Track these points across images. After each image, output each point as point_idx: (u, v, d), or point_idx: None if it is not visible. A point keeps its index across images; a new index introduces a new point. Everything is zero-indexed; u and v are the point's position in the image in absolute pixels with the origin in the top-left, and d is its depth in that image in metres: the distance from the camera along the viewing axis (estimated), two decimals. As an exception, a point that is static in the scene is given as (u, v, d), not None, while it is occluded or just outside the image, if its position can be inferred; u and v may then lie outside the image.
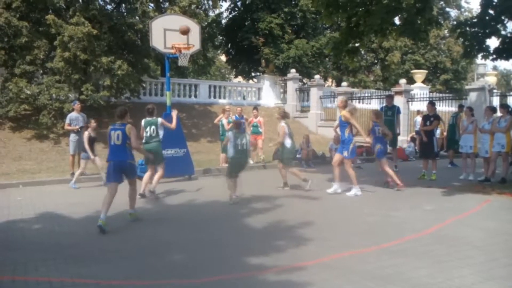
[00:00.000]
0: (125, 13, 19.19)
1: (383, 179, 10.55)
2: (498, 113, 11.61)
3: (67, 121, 11.65)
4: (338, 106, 10.47)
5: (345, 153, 9.48)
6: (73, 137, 11.48)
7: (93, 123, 10.72)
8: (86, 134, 10.53)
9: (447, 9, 40.03)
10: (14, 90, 15.08)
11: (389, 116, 13.19)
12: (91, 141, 10.60)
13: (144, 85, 19.38)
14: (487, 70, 34.72)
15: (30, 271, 5.07)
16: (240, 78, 33.88)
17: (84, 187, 10.65)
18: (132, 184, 7.45)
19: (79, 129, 11.28)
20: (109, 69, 16.03)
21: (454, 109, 19.17)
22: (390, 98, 14.13)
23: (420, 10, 10.47)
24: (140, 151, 7.85)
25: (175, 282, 4.74)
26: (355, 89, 25.81)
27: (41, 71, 17.19)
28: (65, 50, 15.32)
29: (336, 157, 9.79)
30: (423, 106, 17.08)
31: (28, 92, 15.64)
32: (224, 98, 22.85)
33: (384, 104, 14.16)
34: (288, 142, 9.81)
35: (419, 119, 16.22)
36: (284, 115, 10.40)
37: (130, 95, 18.05)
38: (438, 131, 14.48)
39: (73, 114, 11.71)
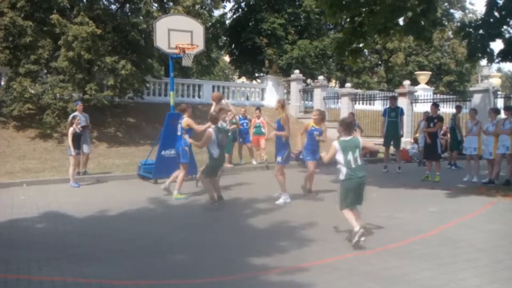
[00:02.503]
0: (129, 13, 19.22)
1: (384, 181, 10.52)
2: (502, 115, 11.57)
3: (69, 121, 11.69)
4: (276, 109, 9.53)
5: (279, 159, 8.84)
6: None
7: (77, 119, 10.84)
8: (71, 130, 10.63)
9: (452, 10, 39.93)
10: (18, 90, 15.11)
11: (392, 117, 13.17)
12: (77, 137, 10.69)
13: (147, 85, 19.40)
14: (492, 71, 34.63)
15: (33, 270, 5.07)
16: (243, 79, 33.85)
17: (87, 186, 10.67)
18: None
19: (81, 129, 11.29)
20: (113, 69, 16.05)
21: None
22: (393, 99, 14.10)
23: (425, 11, 10.44)
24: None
25: (177, 282, 4.74)
26: (358, 90, 25.77)
27: (45, 71, 17.22)
28: (69, 49, 15.36)
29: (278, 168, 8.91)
30: (427, 108, 17.04)
31: (32, 91, 15.68)
32: (228, 98, 22.80)
33: (388, 106, 14.12)
34: (215, 152, 8.40)
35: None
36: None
37: (133, 95, 18.08)
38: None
39: (76, 114, 11.73)
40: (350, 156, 6.02)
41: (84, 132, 11.41)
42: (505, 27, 10.86)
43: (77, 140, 10.72)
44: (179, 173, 9.39)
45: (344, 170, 6.05)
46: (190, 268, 5.18)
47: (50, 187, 10.47)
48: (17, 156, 13.79)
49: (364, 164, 6.25)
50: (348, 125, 6.28)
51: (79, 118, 10.95)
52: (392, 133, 13.20)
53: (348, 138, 6.14)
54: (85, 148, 11.71)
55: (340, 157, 6.05)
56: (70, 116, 11.82)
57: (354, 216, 6.03)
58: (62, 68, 15.72)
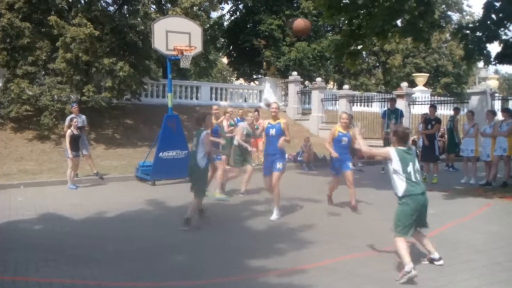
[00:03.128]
0: (127, 15, 19.20)
1: (382, 183, 10.48)
2: (499, 117, 11.60)
3: (66, 123, 11.68)
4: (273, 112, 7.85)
5: (280, 165, 7.65)
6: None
7: (75, 122, 10.80)
8: (68, 132, 10.59)
9: (449, 12, 40.07)
10: (16, 91, 15.08)
11: (392, 119, 13.15)
12: (74, 139, 10.65)
13: (145, 86, 19.39)
14: (489, 74, 34.73)
15: (31, 271, 5.06)
16: (241, 80, 33.88)
17: (85, 188, 10.66)
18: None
19: (78, 130, 11.25)
20: (111, 71, 16.03)
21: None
22: (393, 101, 14.07)
23: (423, 14, 10.48)
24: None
25: (176, 283, 4.74)
26: (356, 92, 25.81)
27: (43, 72, 17.19)
28: (67, 51, 15.34)
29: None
30: (424, 110, 17.07)
31: (30, 93, 15.66)
32: (226, 100, 22.84)
33: (387, 107, 14.12)
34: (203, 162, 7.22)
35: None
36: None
37: (130, 97, 18.06)
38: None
39: (73, 116, 11.71)
40: (410, 168, 5.08)
41: (81, 133, 11.36)
42: (502, 29, 10.89)
43: (75, 142, 10.69)
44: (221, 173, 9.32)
45: (403, 184, 5.10)
46: (189, 269, 5.17)
47: (48, 188, 10.46)
48: (15, 157, 13.76)
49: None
50: (402, 136, 5.29)
51: (76, 120, 10.92)
52: None
53: (405, 148, 5.23)
54: (83, 150, 11.67)
55: (398, 166, 5.10)
56: (68, 118, 11.81)
57: (417, 242, 5.26)
58: (60, 70, 15.69)
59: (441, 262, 5.19)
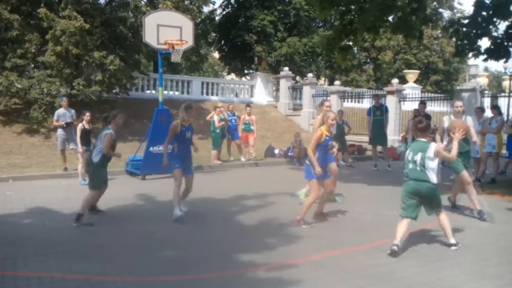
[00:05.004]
0: (117, 8, 19.06)
1: (372, 178, 10.56)
2: (488, 114, 11.67)
3: (55, 117, 11.58)
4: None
5: None
6: (60, 132, 11.37)
7: (87, 116, 10.44)
8: (79, 126, 10.27)
9: (440, 10, 40.20)
10: (5, 84, 14.94)
11: (378, 116, 13.34)
12: (85, 133, 10.31)
13: (135, 81, 19.28)
14: (479, 71, 34.96)
15: (19, 266, 5.02)
16: (233, 75, 33.82)
17: (75, 182, 10.58)
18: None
19: (65, 125, 11.14)
20: (101, 64, 15.92)
21: (446, 109, 19.28)
22: (377, 97, 14.20)
23: (415, 10, 10.51)
24: None
25: (165, 278, 4.72)
26: (347, 88, 25.87)
27: (33, 65, 17.05)
28: (57, 44, 15.20)
29: None
30: (415, 106, 17.14)
31: (19, 86, 15.52)
32: (217, 95, 22.80)
33: (372, 104, 14.23)
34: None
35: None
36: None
37: (119, 91, 17.93)
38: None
39: (61, 110, 11.60)
40: (410, 157, 5.66)
41: (69, 128, 11.25)
42: (492, 26, 10.97)
43: (86, 136, 10.34)
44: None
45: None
46: (178, 264, 5.17)
47: (37, 182, 10.39)
48: (3, 151, 13.64)
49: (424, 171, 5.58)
50: (424, 128, 5.72)
51: (89, 115, 10.65)
52: (378, 131, 13.31)
53: (421, 140, 5.70)
54: (72, 145, 11.54)
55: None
56: (56, 113, 11.63)
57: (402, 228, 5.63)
58: (49, 63, 15.56)
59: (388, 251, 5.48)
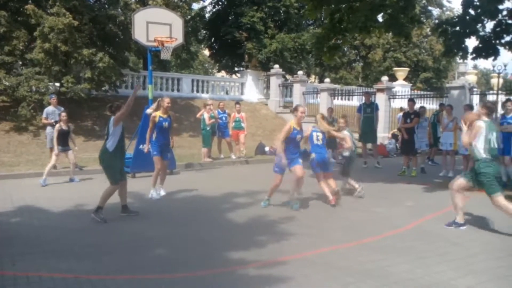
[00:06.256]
0: (106, 5, 18.94)
1: (362, 176, 10.59)
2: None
3: (44, 115, 11.52)
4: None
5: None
6: (49, 130, 11.31)
7: (63, 116, 10.40)
8: (56, 127, 10.23)
9: (429, 8, 40.42)
10: (-8, 81, 14.81)
11: (368, 113, 13.40)
12: (62, 134, 10.24)
13: (125, 78, 19.18)
14: (468, 69, 35.20)
15: (6, 265, 4.98)
16: (223, 73, 33.74)
17: (64, 180, 10.51)
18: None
19: (54, 123, 11.08)
20: (90, 61, 15.82)
21: (435, 107, 19.40)
22: (368, 95, 14.27)
23: (404, 8, 10.55)
24: None
25: (155, 277, 4.71)
26: (337, 86, 25.95)
27: (21, 62, 16.89)
28: (45, 41, 15.08)
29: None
30: (404, 104, 17.25)
31: (7, 83, 15.37)
32: (207, 92, 22.76)
33: (363, 101, 14.30)
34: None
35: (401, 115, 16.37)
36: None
37: (108, 88, 17.82)
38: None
39: (50, 108, 11.53)
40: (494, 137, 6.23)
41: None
42: (480, 25, 11.05)
43: (63, 137, 10.27)
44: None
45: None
46: (168, 262, 5.16)
47: (25, 181, 10.31)
48: (-9, 149, 13.52)
49: None
50: (491, 108, 6.49)
51: (65, 114, 10.59)
52: (368, 128, 13.38)
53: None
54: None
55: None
56: (45, 110, 11.58)
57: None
58: (38, 60, 15.43)
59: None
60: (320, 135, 8.25)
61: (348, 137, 8.82)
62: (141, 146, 10.91)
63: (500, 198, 6.16)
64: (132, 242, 5.91)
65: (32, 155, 13.20)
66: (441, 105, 14.85)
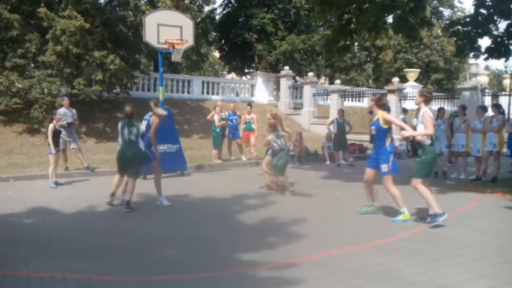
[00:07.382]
0: (117, 7, 19.07)
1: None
2: (490, 113, 11.66)
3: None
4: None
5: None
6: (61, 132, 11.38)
7: (57, 115, 10.36)
8: (51, 127, 9.92)
9: (441, 8, 40.19)
10: (5, 84, 14.95)
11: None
12: (55, 135, 10.07)
13: (136, 80, 19.30)
14: (479, 70, 34.90)
15: (20, 266, 5.03)
16: (233, 75, 33.82)
17: (75, 182, 10.60)
18: None
19: (66, 125, 11.14)
20: (102, 64, 15.93)
21: (446, 108, 19.20)
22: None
23: (413, 9, 10.51)
24: None
25: (166, 278, 4.73)
26: (348, 87, 25.89)
27: (33, 65, 17.06)
28: (57, 43, 15.21)
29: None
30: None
31: (20, 85, 15.53)
32: (217, 94, 22.82)
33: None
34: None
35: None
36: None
37: (119, 90, 17.93)
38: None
39: (62, 110, 11.63)
40: None
41: (70, 128, 11.29)
42: (492, 25, 10.97)
43: (57, 137, 10.15)
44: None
45: None
46: (178, 263, 5.17)
47: (38, 182, 10.38)
48: (4, 151, 13.66)
49: None
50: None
51: (59, 114, 10.59)
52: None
53: None
54: (73, 145, 11.63)
55: None
56: (58, 111, 11.69)
57: None
58: (50, 63, 15.57)
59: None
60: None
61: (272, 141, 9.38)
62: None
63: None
64: (142, 243, 5.94)
65: (45, 157, 13.26)
66: (461, 107, 14.63)
